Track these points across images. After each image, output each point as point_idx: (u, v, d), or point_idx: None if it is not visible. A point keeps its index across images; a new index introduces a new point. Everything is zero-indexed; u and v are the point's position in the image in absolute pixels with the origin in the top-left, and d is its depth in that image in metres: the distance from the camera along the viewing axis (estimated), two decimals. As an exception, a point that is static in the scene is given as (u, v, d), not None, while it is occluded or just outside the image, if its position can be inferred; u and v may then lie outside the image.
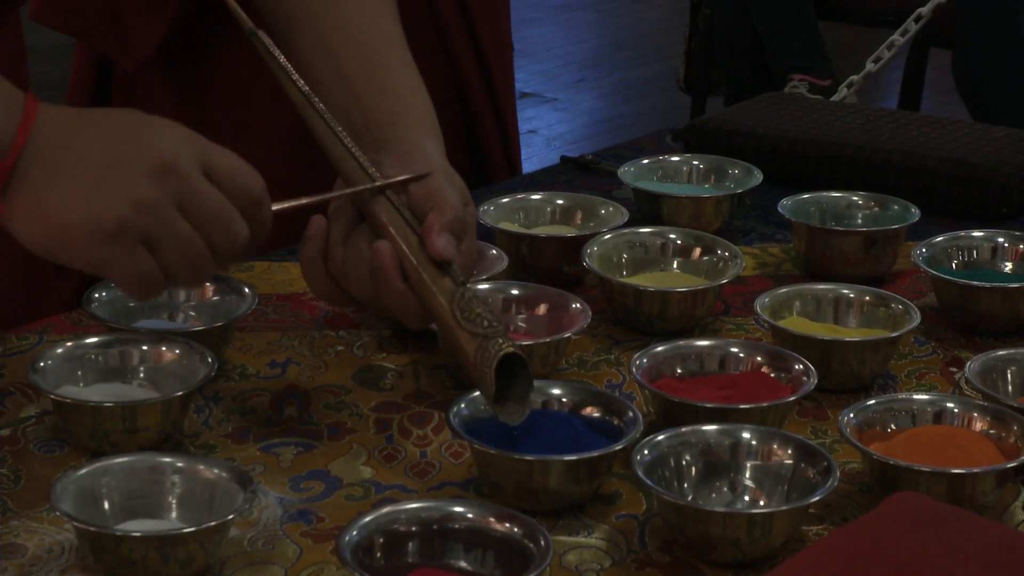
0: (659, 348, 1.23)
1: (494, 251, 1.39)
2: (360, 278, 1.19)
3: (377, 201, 1.18)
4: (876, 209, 1.53)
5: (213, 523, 1.00)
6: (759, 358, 1.23)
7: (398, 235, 1.17)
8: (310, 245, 1.20)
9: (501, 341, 1.11)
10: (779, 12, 3.97)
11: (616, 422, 1.13)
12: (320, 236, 1.20)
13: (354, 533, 0.98)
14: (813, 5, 4.02)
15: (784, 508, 1.05)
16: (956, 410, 1.16)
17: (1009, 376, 1.23)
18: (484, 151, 1.75)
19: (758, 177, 1.59)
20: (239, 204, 1.10)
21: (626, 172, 1.60)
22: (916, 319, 1.29)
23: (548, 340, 1.25)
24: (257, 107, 1.63)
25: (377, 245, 1.17)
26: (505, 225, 1.46)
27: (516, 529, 0.99)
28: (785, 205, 1.51)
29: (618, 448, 1.09)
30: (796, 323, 1.31)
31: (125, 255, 1.06)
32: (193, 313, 1.31)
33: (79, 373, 1.19)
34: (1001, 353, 1.24)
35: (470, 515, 1.01)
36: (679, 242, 1.43)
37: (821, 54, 3.98)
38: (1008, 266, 1.44)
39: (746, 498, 1.09)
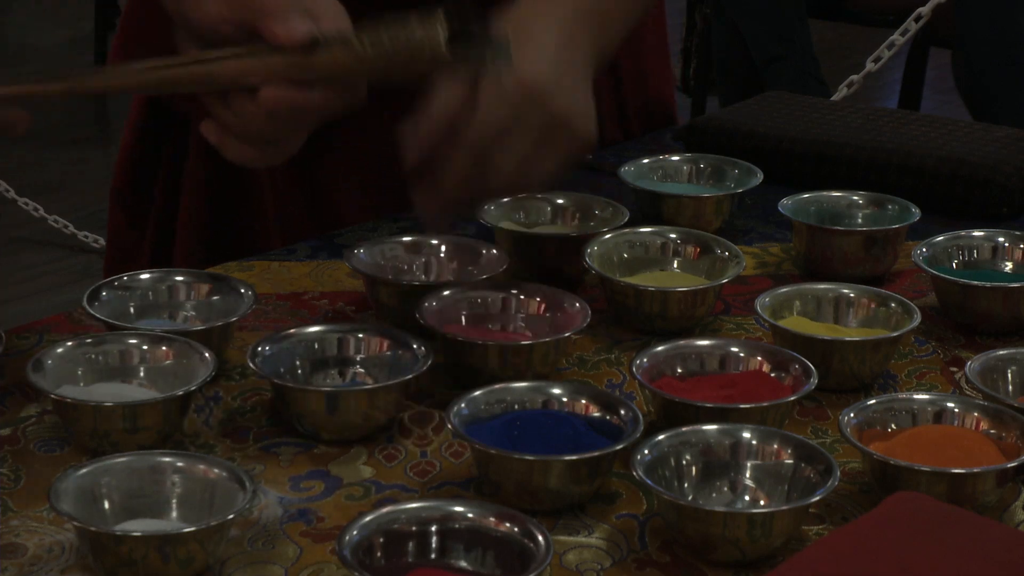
0: (659, 348, 1.23)
1: (494, 251, 1.39)
2: (261, 127, 1.19)
3: (207, 64, 1.17)
4: (876, 209, 1.53)
5: (213, 523, 0.99)
6: (759, 358, 1.23)
7: (253, 71, 1.16)
8: (209, 127, 1.21)
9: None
10: (773, 40, 3.96)
11: (616, 422, 1.13)
12: (212, 122, 1.20)
13: (354, 533, 0.98)
14: (808, 31, 4.02)
15: (784, 508, 1.05)
16: (956, 410, 1.16)
17: (1009, 376, 1.23)
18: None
19: (758, 177, 1.59)
20: None
21: (626, 172, 1.60)
22: (916, 319, 1.29)
23: (548, 340, 1.25)
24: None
25: (263, 94, 1.15)
26: (505, 224, 1.45)
27: (516, 529, 0.99)
28: (785, 205, 1.51)
29: (618, 448, 1.09)
30: (796, 323, 1.31)
31: None
32: (193, 313, 1.31)
33: (79, 373, 1.19)
34: (1001, 353, 1.24)
35: (470, 515, 1.01)
36: (679, 242, 1.42)
37: (817, 79, 3.97)
38: (1008, 266, 1.44)
39: (746, 498, 1.09)
